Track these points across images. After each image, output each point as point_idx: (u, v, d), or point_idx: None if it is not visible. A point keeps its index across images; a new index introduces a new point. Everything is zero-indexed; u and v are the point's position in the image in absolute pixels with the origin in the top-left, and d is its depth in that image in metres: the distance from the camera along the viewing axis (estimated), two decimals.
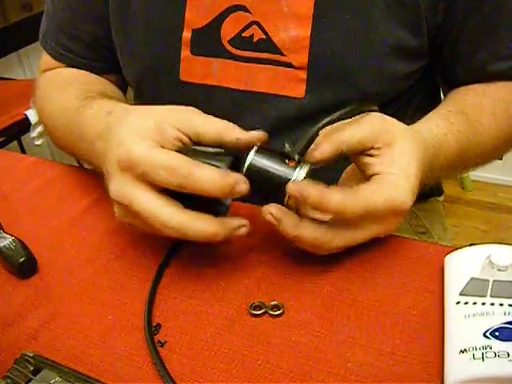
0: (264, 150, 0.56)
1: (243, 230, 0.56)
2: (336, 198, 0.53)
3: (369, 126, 0.56)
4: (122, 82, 0.89)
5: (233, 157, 0.56)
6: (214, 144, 0.56)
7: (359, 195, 0.54)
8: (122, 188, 0.54)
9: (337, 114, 0.55)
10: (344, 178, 0.63)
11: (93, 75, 0.86)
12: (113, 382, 0.50)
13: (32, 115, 1.97)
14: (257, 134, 0.56)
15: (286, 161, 0.55)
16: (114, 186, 0.55)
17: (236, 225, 0.55)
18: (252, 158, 0.55)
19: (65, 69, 0.87)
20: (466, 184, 2.42)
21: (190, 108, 0.58)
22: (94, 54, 0.85)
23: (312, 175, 0.56)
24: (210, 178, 0.52)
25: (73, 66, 0.86)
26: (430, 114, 0.70)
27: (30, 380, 0.48)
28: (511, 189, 2.39)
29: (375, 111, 0.58)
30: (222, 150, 0.56)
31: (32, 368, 0.49)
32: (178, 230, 0.53)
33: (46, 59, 0.88)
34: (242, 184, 0.53)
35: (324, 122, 0.55)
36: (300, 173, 0.55)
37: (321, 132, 0.55)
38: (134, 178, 0.54)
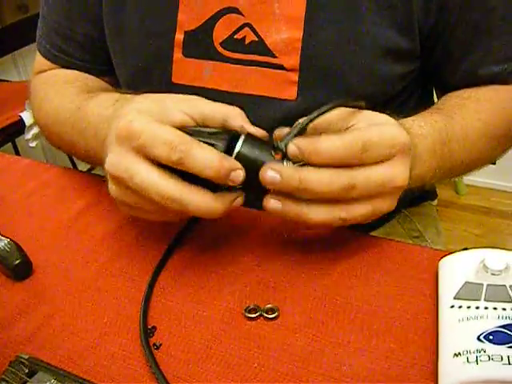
0: (252, 139, 0.56)
1: (239, 201, 0.56)
2: (328, 141, 0.53)
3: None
4: (117, 84, 0.89)
5: (229, 138, 0.55)
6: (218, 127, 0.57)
7: (353, 132, 0.55)
8: (121, 160, 0.54)
9: (325, 108, 0.55)
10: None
11: (90, 76, 0.86)
12: None
13: (27, 117, 1.97)
14: (261, 131, 0.57)
15: (273, 152, 0.55)
16: (113, 158, 0.55)
17: (233, 197, 0.55)
18: (240, 146, 0.55)
19: (60, 69, 0.87)
20: (460, 188, 2.42)
21: (196, 96, 0.59)
22: (90, 55, 0.85)
23: None
24: (208, 158, 0.52)
25: (68, 68, 0.86)
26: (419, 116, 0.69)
27: (25, 382, 0.48)
28: (505, 193, 2.40)
29: (363, 107, 0.58)
30: (219, 130, 0.56)
31: (27, 370, 0.49)
32: (178, 202, 0.52)
33: (40, 61, 0.88)
34: (238, 171, 0.53)
35: (314, 115, 0.55)
36: (285, 164, 0.55)
37: (311, 124, 0.55)
38: (134, 151, 0.53)
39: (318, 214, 0.55)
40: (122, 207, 0.58)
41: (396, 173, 0.55)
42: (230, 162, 0.53)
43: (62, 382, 0.48)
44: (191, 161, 0.52)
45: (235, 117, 0.57)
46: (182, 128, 0.54)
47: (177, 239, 0.65)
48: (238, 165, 0.53)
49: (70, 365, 0.52)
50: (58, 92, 0.79)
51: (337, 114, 0.58)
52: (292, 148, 0.53)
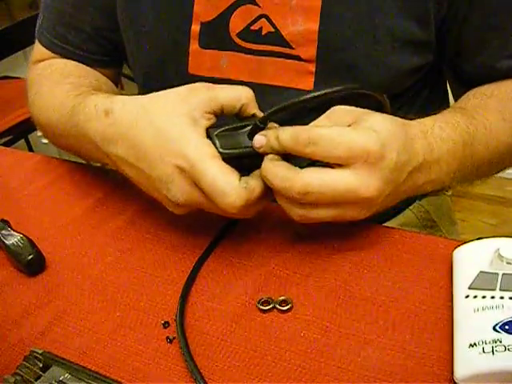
0: (224, 132, 0.58)
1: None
2: (285, 130, 0.56)
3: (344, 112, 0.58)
4: (116, 76, 0.89)
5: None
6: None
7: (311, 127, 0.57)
8: (189, 195, 0.56)
9: (320, 93, 0.56)
10: None
11: (86, 67, 0.85)
12: (121, 379, 0.50)
13: None
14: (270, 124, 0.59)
15: (245, 129, 0.58)
16: (178, 194, 0.57)
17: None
18: (220, 150, 0.56)
19: (57, 60, 0.86)
20: None
21: (205, 85, 0.60)
22: (94, 45, 0.85)
23: None
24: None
25: (70, 59, 0.85)
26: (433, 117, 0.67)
27: (39, 377, 0.49)
28: None
29: (362, 93, 0.59)
30: (248, 123, 0.58)
31: (41, 365, 0.50)
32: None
33: (40, 51, 0.87)
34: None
35: (306, 97, 0.56)
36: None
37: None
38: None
39: (280, 201, 0.57)
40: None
41: (359, 183, 0.53)
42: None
43: (76, 377, 0.48)
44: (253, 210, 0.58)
45: (249, 105, 0.60)
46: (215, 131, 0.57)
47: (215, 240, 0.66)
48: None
49: (84, 359, 0.52)
50: (51, 89, 0.78)
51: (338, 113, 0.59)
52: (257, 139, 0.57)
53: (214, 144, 0.56)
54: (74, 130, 0.68)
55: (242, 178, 0.55)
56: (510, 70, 0.74)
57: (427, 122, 0.63)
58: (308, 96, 0.56)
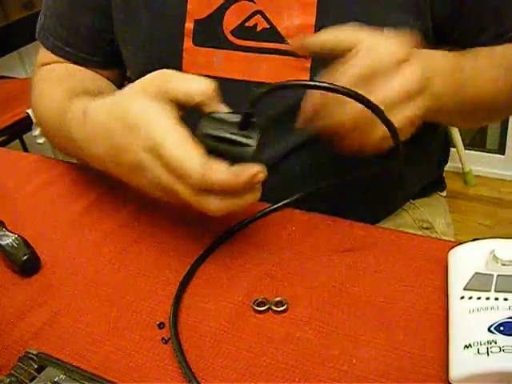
0: (218, 116, 0.56)
1: (261, 176, 0.54)
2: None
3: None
4: (120, 78, 0.89)
5: (260, 131, 0.55)
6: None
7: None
8: (158, 174, 0.55)
9: (301, 83, 0.58)
10: None
11: (89, 72, 0.85)
12: (116, 380, 0.50)
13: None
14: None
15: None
16: (150, 173, 0.55)
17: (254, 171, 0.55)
18: (198, 131, 0.55)
19: (59, 64, 0.86)
20: (469, 179, 2.41)
21: (166, 74, 0.59)
22: (94, 47, 0.85)
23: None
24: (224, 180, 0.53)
25: (72, 62, 0.85)
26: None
27: (34, 378, 0.48)
28: None
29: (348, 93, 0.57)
30: (235, 116, 0.56)
31: (36, 366, 0.49)
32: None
33: (44, 54, 0.88)
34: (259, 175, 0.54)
35: (288, 83, 0.57)
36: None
37: None
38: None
39: None
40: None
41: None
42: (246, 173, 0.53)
43: (71, 377, 0.48)
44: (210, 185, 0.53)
45: (205, 101, 0.57)
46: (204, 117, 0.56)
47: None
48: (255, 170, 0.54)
49: (79, 360, 0.52)
50: (51, 92, 0.79)
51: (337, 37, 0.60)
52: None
53: (199, 124, 0.56)
54: (64, 132, 0.69)
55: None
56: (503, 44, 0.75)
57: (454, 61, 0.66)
58: (290, 82, 0.56)
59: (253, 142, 0.54)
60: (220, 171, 0.52)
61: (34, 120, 1.95)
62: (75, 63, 0.85)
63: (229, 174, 0.53)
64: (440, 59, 0.64)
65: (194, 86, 0.57)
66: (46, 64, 0.87)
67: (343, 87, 0.53)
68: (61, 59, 0.86)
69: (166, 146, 0.53)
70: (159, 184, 0.55)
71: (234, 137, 0.54)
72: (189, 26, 0.74)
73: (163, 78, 0.58)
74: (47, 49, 0.87)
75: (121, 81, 0.90)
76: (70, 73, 0.84)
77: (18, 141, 2.18)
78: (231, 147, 0.54)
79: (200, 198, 0.54)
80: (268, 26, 0.71)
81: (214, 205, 0.54)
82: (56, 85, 0.79)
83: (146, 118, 0.55)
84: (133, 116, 0.56)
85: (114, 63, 0.86)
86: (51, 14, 0.86)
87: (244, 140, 0.54)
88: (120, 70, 0.89)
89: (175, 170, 0.53)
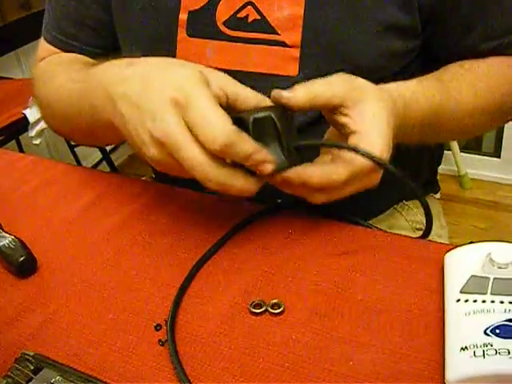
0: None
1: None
2: (317, 173, 0.57)
3: (340, 85, 0.60)
4: None
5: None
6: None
7: (339, 165, 0.58)
8: (173, 130, 0.53)
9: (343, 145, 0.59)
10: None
11: (91, 60, 0.85)
12: (112, 381, 0.50)
13: (30, 114, 1.97)
14: None
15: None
16: (163, 124, 0.54)
17: (263, 179, 0.57)
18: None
19: (61, 54, 0.86)
20: (465, 182, 2.42)
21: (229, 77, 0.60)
22: (100, 40, 0.85)
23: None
24: (248, 151, 0.53)
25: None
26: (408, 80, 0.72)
27: (30, 379, 0.48)
28: (510, 187, 2.39)
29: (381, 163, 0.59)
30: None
31: (32, 367, 0.49)
32: (222, 185, 0.54)
33: (45, 48, 0.87)
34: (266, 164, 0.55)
35: (334, 144, 0.62)
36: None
37: None
38: (184, 124, 0.53)
39: (298, 192, 0.60)
40: (157, 166, 0.58)
41: (370, 184, 0.61)
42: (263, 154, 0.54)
43: (68, 379, 0.48)
44: (232, 154, 0.53)
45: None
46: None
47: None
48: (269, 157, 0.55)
49: (76, 361, 0.52)
50: (65, 68, 0.79)
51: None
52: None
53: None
54: (80, 78, 0.69)
55: None
56: (491, 51, 0.77)
57: (405, 91, 0.67)
58: (339, 144, 0.59)
59: (289, 163, 0.57)
60: (249, 141, 0.53)
61: (31, 120, 1.96)
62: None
63: (256, 147, 0.54)
64: (397, 112, 0.64)
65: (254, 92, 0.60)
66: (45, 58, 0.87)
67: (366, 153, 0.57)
68: (62, 52, 0.86)
69: (200, 100, 0.53)
70: (167, 137, 0.53)
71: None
72: (183, 16, 0.75)
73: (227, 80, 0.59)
74: (51, 43, 0.87)
75: None
76: (78, 58, 0.84)
77: (14, 141, 2.18)
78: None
79: (221, 172, 0.54)
80: (259, 17, 0.72)
81: (239, 181, 0.55)
82: (70, 63, 0.80)
83: (185, 76, 0.56)
84: (176, 71, 0.57)
85: (115, 57, 0.86)
86: (55, 9, 0.86)
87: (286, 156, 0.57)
88: None
89: (199, 128, 0.52)
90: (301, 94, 0.58)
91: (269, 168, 0.55)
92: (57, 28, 0.86)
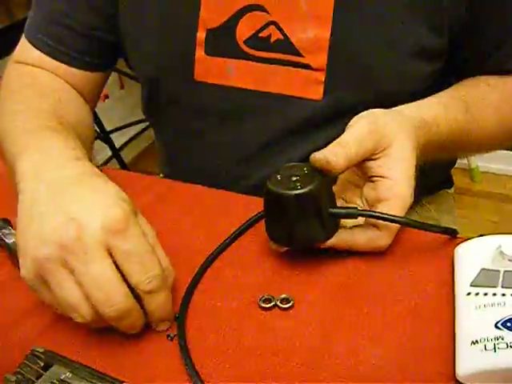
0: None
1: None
2: (363, 241, 0.59)
3: (369, 138, 0.57)
4: (103, 82, 0.87)
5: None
6: None
7: (384, 233, 0.58)
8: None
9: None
10: (339, 187, 0.64)
11: (72, 92, 0.81)
12: (122, 377, 0.50)
13: None
14: None
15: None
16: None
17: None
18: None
19: (42, 72, 0.81)
20: (475, 175, 2.40)
21: None
22: (88, 46, 0.81)
23: None
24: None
25: (62, 61, 0.81)
26: (431, 97, 0.70)
27: (40, 375, 0.48)
28: None
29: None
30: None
31: (42, 364, 0.49)
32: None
33: (26, 50, 0.82)
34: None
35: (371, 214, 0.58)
36: None
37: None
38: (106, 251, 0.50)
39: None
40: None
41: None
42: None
43: (78, 375, 0.48)
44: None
45: None
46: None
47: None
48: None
49: (85, 357, 0.52)
50: (25, 110, 0.71)
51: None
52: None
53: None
54: (24, 141, 0.64)
55: None
56: None
57: (429, 119, 0.65)
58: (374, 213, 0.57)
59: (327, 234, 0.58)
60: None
61: None
62: (64, 63, 0.81)
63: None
64: (420, 141, 0.63)
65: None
66: (23, 63, 0.82)
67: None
68: (47, 59, 0.81)
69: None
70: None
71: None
72: (201, 35, 0.73)
73: None
74: (35, 47, 0.81)
75: (103, 84, 0.87)
76: (51, 88, 0.78)
77: None
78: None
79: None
80: (282, 38, 0.71)
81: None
82: (35, 100, 0.74)
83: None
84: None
85: (101, 65, 0.84)
86: (43, 11, 0.82)
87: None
88: (106, 74, 0.87)
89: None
90: (341, 162, 0.56)
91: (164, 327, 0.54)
92: (45, 31, 0.81)
